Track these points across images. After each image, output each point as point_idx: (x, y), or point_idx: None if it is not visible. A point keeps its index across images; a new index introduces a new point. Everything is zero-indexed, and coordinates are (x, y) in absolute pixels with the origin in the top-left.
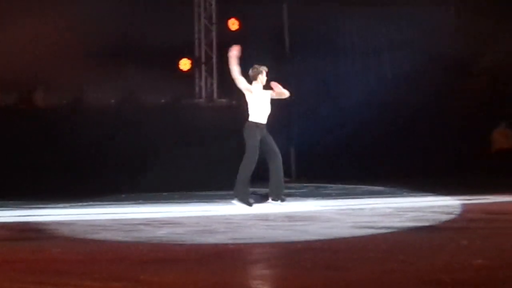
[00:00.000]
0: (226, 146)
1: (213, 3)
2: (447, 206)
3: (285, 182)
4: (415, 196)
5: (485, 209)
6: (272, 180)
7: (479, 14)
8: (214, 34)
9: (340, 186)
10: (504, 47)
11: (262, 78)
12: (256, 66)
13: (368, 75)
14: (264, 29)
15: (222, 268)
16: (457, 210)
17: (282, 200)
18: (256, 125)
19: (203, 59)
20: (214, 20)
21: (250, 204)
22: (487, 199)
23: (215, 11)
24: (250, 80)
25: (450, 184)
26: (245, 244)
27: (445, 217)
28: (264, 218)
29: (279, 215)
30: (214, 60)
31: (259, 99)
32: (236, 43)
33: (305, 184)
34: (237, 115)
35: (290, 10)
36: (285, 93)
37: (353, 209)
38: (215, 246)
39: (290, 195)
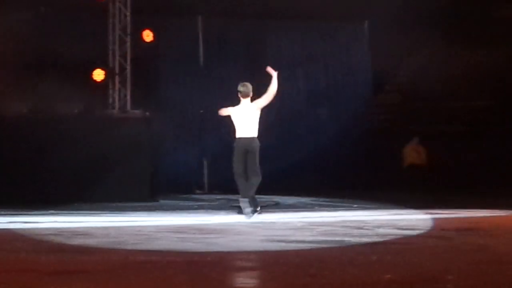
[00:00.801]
0: (139, 158)
1: (128, 14)
2: (358, 221)
3: (198, 194)
4: (326, 210)
5: (395, 224)
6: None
7: (393, 31)
8: (128, 45)
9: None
10: (417, 64)
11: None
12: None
13: (282, 88)
14: (178, 41)
15: (130, 281)
16: (368, 225)
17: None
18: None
19: (117, 70)
20: (128, 31)
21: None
22: (398, 214)
23: (130, 22)
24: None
25: (362, 199)
26: (155, 256)
27: (356, 232)
28: (176, 230)
29: (191, 227)
30: (128, 71)
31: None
32: (150, 54)
33: (217, 197)
34: (150, 126)
35: (205, 23)
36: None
37: (264, 223)
38: (125, 257)
39: (202, 207)
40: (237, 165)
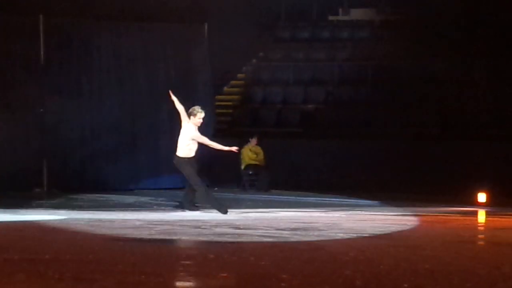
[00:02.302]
0: None
1: None
2: (196, 220)
3: (38, 193)
4: (165, 209)
5: (232, 224)
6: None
7: (231, 32)
8: None
9: (92, 197)
10: (257, 62)
11: (194, 119)
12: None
13: (123, 88)
14: (19, 40)
15: None
16: (206, 224)
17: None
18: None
19: None
20: None
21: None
22: (234, 214)
23: None
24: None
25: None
26: None
27: (193, 231)
28: (15, 228)
29: (29, 225)
30: None
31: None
32: None
33: (56, 196)
34: None
35: (46, 22)
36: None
37: (103, 221)
38: None
39: (40, 205)
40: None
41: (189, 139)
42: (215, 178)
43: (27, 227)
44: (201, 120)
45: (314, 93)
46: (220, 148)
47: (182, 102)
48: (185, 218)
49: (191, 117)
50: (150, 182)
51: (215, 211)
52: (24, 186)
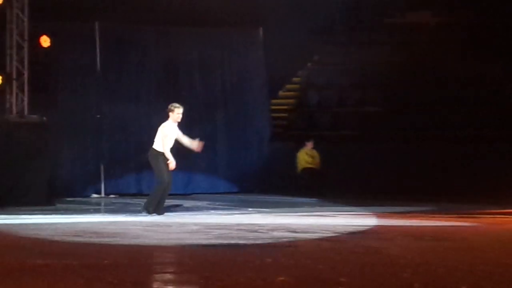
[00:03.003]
0: (36, 162)
1: (26, 19)
2: (252, 224)
3: (95, 198)
4: (222, 214)
5: (289, 227)
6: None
7: (286, 37)
8: (26, 50)
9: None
10: (313, 66)
11: (173, 115)
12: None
13: (180, 93)
14: (76, 46)
15: (28, 284)
16: (263, 228)
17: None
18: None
19: (14, 75)
20: (26, 36)
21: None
22: (292, 217)
23: (27, 27)
24: None
25: (257, 202)
26: (52, 259)
27: (251, 235)
28: (73, 234)
29: (87, 230)
30: (26, 76)
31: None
32: (47, 59)
33: (113, 201)
34: (48, 131)
35: (102, 28)
36: None
37: (160, 226)
38: (22, 261)
39: (98, 211)
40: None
41: (163, 135)
42: (272, 182)
43: (86, 232)
44: (179, 115)
45: (370, 96)
46: (187, 145)
47: (238, 106)
48: (242, 222)
49: (170, 113)
50: (206, 186)
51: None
52: (82, 192)
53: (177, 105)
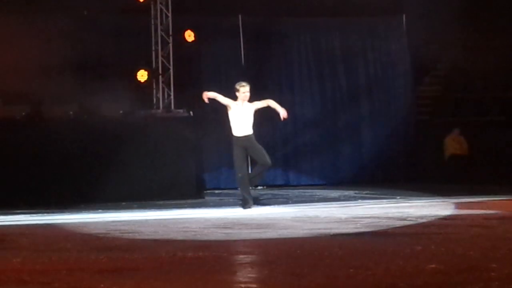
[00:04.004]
0: (184, 156)
1: (170, 15)
2: (401, 212)
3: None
4: (369, 203)
5: (438, 215)
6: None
7: (429, 24)
8: (171, 45)
9: (297, 192)
10: (454, 56)
11: (239, 94)
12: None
13: (323, 84)
14: (219, 40)
15: (179, 277)
16: (412, 216)
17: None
18: (236, 138)
19: (160, 71)
20: (170, 32)
21: (246, 207)
22: (440, 204)
23: (171, 23)
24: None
25: (404, 190)
26: (203, 252)
27: (399, 223)
28: (222, 225)
29: (237, 222)
30: (171, 71)
31: (237, 113)
32: (192, 54)
33: (261, 192)
34: (194, 125)
35: (245, 21)
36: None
37: (309, 216)
38: (173, 254)
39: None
40: (241, 171)
41: (252, 115)
42: (420, 169)
43: (235, 224)
44: (245, 94)
45: None
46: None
47: (382, 94)
48: (390, 211)
49: (236, 93)
50: (351, 176)
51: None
52: (229, 184)
53: (243, 83)
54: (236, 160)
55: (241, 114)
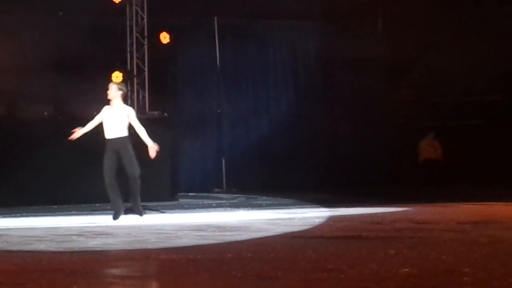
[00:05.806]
0: (158, 158)
1: (145, 16)
2: (375, 215)
3: (217, 192)
4: (345, 206)
5: (412, 219)
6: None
7: (407, 28)
8: (146, 47)
9: (271, 197)
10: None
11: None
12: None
13: (299, 87)
14: (195, 42)
15: (152, 279)
16: (385, 220)
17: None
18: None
19: (135, 72)
20: (146, 33)
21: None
22: (414, 208)
23: (147, 24)
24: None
25: (379, 194)
26: (176, 254)
27: (373, 227)
28: (196, 228)
29: (210, 225)
30: (146, 73)
31: (106, 116)
32: (167, 56)
33: (235, 195)
34: (169, 127)
35: (221, 24)
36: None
37: (283, 219)
38: (147, 256)
39: (221, 205)
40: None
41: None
42: (397, 172)
43: (209, 227)
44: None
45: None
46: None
47: (359, 97)
48: (364, 213)
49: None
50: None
51: None
52: (204, 187)
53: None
54: (104, 164)
55: (110, 116)
